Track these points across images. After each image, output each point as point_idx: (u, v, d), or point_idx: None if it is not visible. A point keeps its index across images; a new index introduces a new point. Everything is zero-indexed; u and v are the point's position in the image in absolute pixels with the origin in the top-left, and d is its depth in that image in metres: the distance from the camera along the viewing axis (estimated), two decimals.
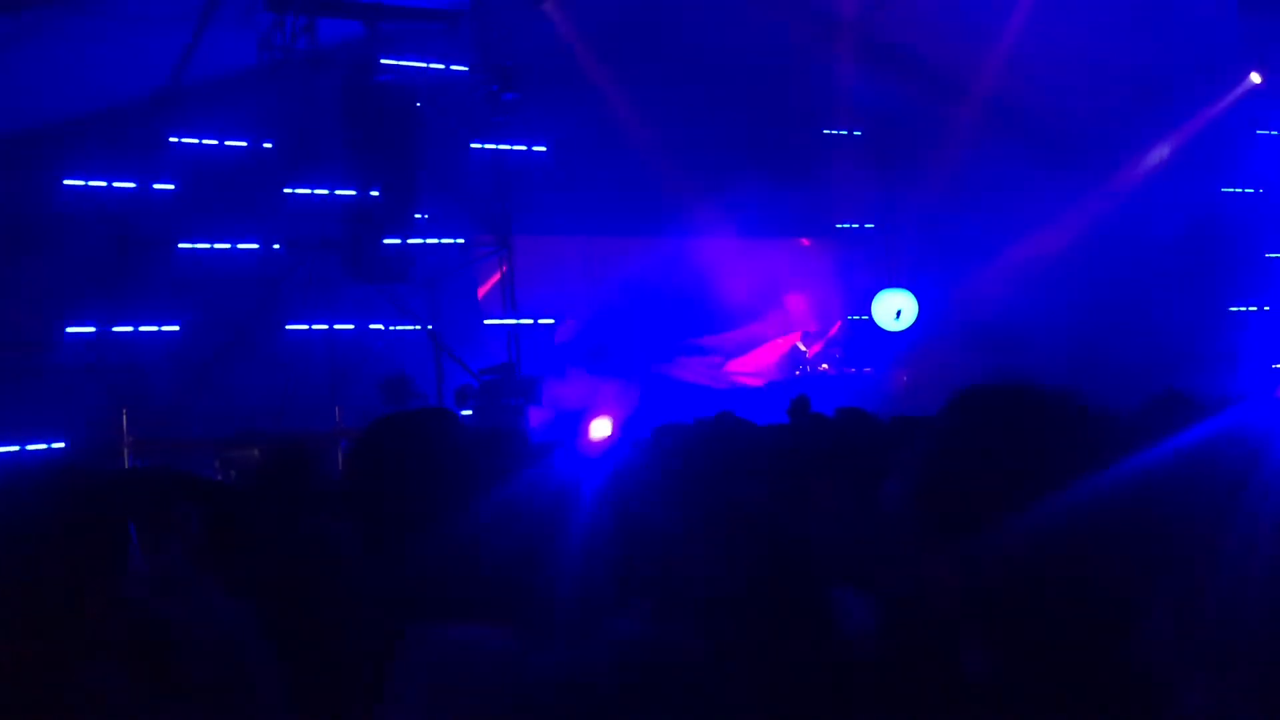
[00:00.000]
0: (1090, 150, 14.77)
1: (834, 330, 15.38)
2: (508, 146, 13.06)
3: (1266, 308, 15.76)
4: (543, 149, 13.25)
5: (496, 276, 13.33)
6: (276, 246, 11.52)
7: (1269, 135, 14.68)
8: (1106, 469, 1.21)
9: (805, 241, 15.68)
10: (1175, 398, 4.47)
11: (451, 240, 12.76)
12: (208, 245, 11.29)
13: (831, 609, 1.95)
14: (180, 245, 11.17)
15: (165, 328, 11.07)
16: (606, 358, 13.26)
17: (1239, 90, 13.54)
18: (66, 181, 10.62)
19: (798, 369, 14.12)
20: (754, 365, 15.06)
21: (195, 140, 11.19)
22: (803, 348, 14.34)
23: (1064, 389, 1.28)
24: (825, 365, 14.25)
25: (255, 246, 11.50)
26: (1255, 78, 13.24)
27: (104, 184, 10.78)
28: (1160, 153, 13.33)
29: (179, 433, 10.62)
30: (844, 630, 2.06)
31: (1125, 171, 14.83)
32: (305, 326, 11.67)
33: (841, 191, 15.15)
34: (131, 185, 10.92)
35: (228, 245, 11.37)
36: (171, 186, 11.05)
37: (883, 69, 14.00)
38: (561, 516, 3.53)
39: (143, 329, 10.97)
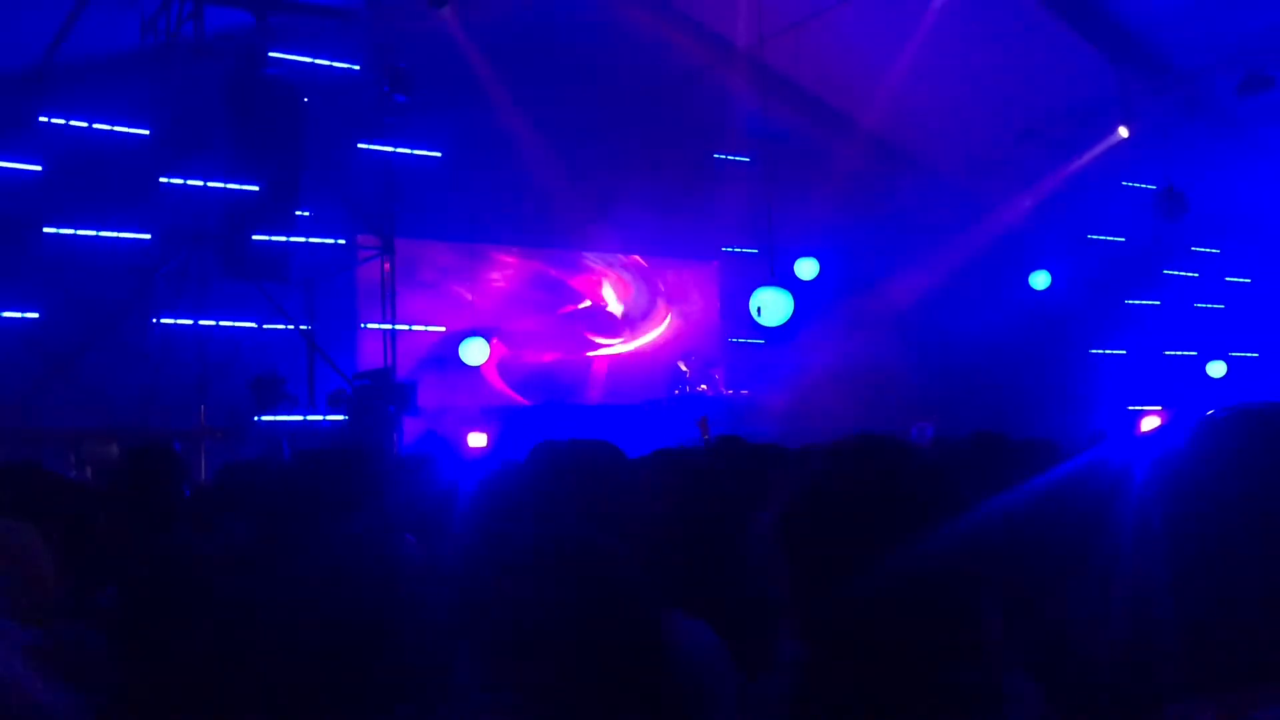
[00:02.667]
0: (966, 190, 15.28)
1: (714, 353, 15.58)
2: (396, 149, 12.91)
3: (1125, 351, 16.47)
4: (432, 153, 13.14)
5: (376, 279, 13.14)
6: (148, 236, 11.16)
7: (1133, 187, 15.35)
8: (963, 513, 1.29)
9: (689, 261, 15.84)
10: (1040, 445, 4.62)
11: (332, 240, 12.54)
12: (75, 231, 10.87)
13: (666, 637, 1.94)
14: (46, 229, 10.74)
15: (24, 314, 10.63)
16: None
17: (1107, 142, 14.14)
18: None
19: (677, 389, 14.23)
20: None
21: (68, 121, 10.78)
22: (684, 368, 14.44)
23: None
24: (704, 386, 14.38)
25: (127, 235, 11.12)
26: (1123, 131, 13.84)
27: None
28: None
29: (34, 423, 10.21)
30: (684, 657, 2.06)
31: (999, 212, 15.37)
32: (175, 320, 11.32)
33: (729, 215, 15.35)
34: None
35: (97, 232, 10.97)
36: (39, 168, 10.62)
37: (774, 97, 14.27)
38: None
39: (0, 314, 10.52)
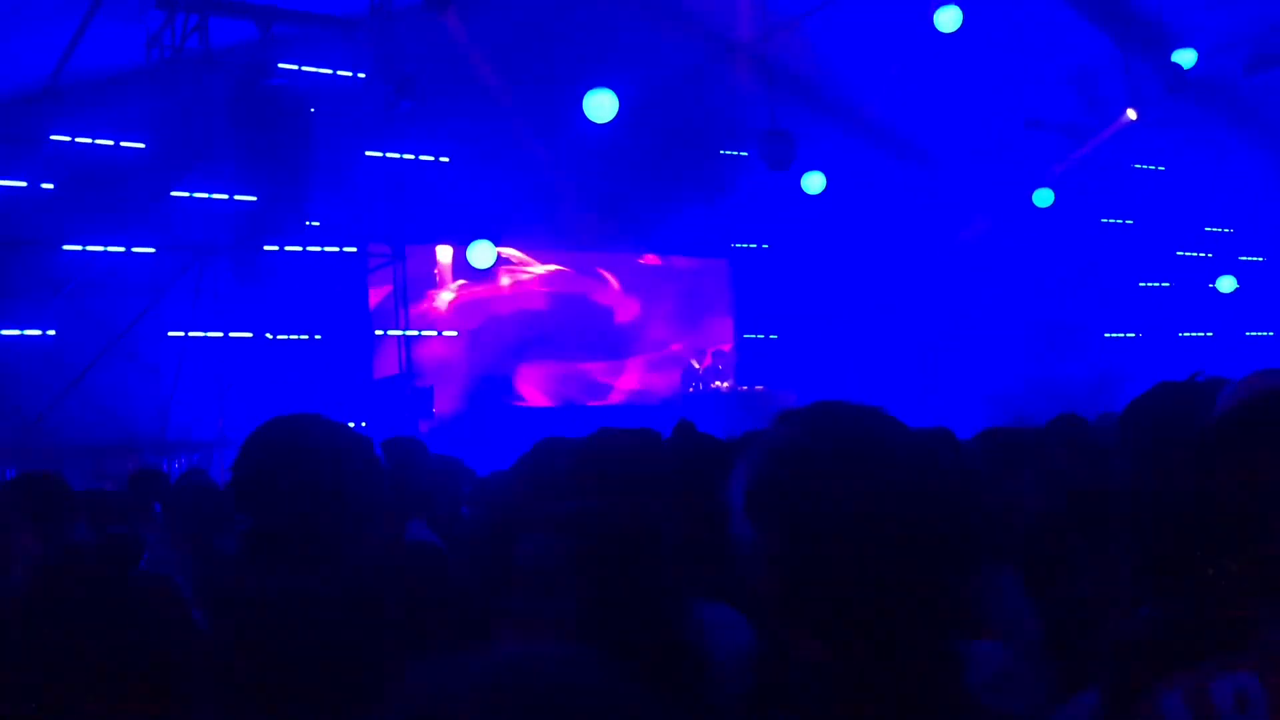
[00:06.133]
0: (975, 179, 15.24)
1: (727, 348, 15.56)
2: (403, 155, 12.93)
3: (1139, 334, 16.41)
4: (439, 159, 13.16)
5: (389, 286, 13.17)
6: (153, 250, 11.19)
7: (1144, 169, 15.29)
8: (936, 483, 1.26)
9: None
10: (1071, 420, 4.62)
11: (343, 248, 12.57)
12: (87, 247, 10.93)
13: (693, 624, 1.94)
14: (59, 247, 10.81)
15: (43, 332, 10.69)
16: None
17: (1117, 125, 14.08)
18: None
19: (691, 386, 14.21)
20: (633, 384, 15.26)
21: (78, 139, 10.84)
22: (696, 365, 14.42)
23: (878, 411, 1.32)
24: (718, 383, 14.35)
25: (138, 250, 11.17)
26: (1132, 114, 13.78)
27: None
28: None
29: (53, 439, 10.27)
30: (716, 648, 2.05)
31: (1010, 200, 15.32)
32: (189, 333, 11.37)
33: (738, 211, 15.36)
34: (8, 183, 10.54)
35: (109, 248, 11.02)
36: (51, 186, 10.69)
37: (778, 91, 14.26)
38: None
39: (16, 332, 10.58)
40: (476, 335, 14.07)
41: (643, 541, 1.84)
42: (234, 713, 1.76)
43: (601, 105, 11.60)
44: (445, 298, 13.98)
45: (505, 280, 14.59)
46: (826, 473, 1.23)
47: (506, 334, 14.27)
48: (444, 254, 14.03)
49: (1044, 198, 14.47)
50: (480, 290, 14.25)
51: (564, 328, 14.76)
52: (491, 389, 13.89)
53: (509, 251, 14.40)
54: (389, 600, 2.03)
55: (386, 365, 12.85)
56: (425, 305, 13.77)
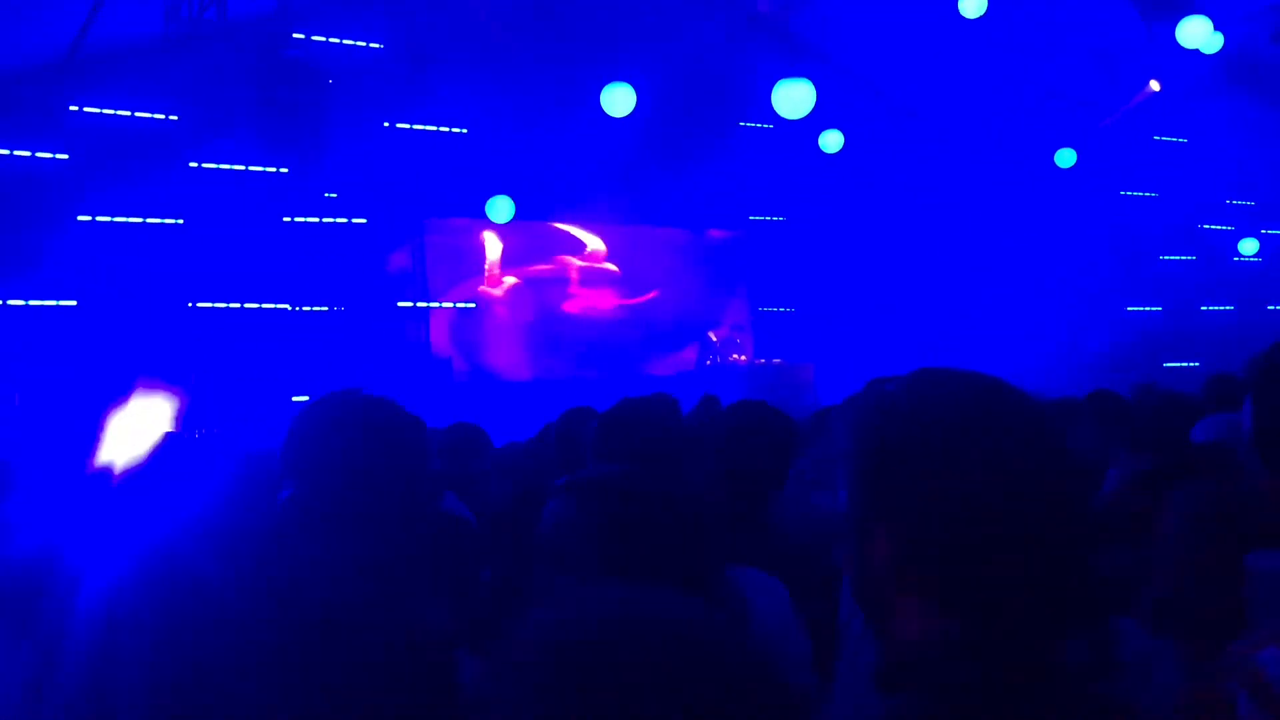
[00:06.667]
0: (994, 152, 15.12)
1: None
2: (421, 127, 12.90)
3: (1160, 308, 16.30)
4: (457, 130, 13.13)
5: (407, 258, 13.18)
6: (179, 221, 11.23)
7: (1166, 141, 15.13)
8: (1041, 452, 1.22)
9: (716, 233, 15.74)
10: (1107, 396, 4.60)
11: (362, 220, 12.57)
12: (108, 218, 10.97)
13: (734, 588, 1.93)
14: (79, 218, 10.84)
15: (61, 302, 10.73)
16: None
17: (1139, 97, 13.92)
18: None
19: (708, 359, 14.19)
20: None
21: (97, 109, 10.86)
22: (713, 337, 14.39)
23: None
24: (736, 356, 14.32)
25: (158, 220, 11.20)
26: (1155, 85, 13.61)
27: None
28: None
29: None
30: (753, 613, 2.04)
31: (1031, 174, 15.20)
32: (211, 304, 11.41)
33: (755, 183, 15.27)
34: (27, 154, 10.57)
35: (129, 219, 11.05)
36: (68, 156, 10.71)
37: (798, 64, 14.12)
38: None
39: (37, 303, 10.63)
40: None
41: (668, 505, 1.82)
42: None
43: (618, 100, 11.51)
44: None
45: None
46: (952, 434, 1.20)
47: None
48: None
49: (1066, 158, 14.29)
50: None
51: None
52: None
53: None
54: (418, 572, 2.04)
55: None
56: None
